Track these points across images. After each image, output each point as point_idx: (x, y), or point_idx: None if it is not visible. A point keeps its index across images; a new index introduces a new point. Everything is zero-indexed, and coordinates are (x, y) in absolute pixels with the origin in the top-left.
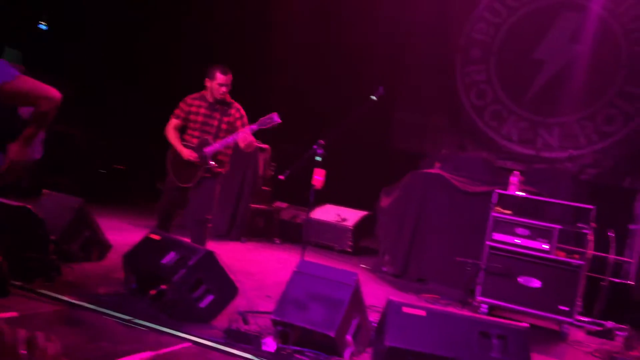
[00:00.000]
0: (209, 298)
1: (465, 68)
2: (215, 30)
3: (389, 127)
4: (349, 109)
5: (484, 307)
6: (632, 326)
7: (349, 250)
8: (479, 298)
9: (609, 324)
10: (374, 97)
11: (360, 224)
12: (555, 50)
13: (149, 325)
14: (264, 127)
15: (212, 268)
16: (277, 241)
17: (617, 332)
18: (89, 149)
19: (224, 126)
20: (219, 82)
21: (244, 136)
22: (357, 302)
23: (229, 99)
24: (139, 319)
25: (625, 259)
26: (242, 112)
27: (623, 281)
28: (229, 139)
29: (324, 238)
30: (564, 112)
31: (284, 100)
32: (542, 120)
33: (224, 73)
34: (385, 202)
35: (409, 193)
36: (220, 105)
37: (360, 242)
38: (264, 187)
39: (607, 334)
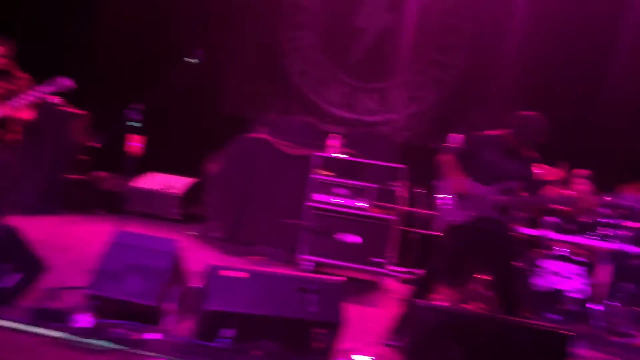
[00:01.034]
0: (10, 277)
1: (291, 33)
2: None
3: (218, 92)
4: (175, 73)
5: (309, 265)
6: None
7: (178, 218)
8: (304, 257)
9: (420, 272)
10: (195, 60)
11: (189, 192)
12: (373, 18)
13: None
14: (49, 91)
15: (12, 244)
16: (99, 213)
17: None
18: None
19: (1, 91)
20: None
21: (17, 106)
22: (178, 269)
23: (15, 71)
24: None
25: (433, 212)
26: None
27: (431, 232)
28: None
29: (150, 207)
30: (382, 78)
31: (105, 63)
32: (363, 86)
33: None
34: (213, 168)
35: (236, 158)
36: (4, 75)
37: (189, 210)
38: (81, 156)
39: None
